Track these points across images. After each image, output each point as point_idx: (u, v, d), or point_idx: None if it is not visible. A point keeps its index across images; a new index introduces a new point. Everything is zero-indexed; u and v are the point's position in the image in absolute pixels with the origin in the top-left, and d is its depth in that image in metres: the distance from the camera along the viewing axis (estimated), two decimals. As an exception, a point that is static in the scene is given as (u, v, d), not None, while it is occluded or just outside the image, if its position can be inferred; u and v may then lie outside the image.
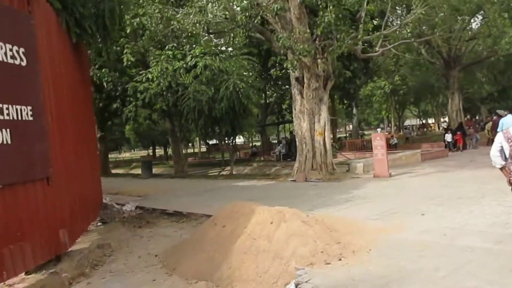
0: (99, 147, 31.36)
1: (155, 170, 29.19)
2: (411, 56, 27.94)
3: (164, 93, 17.23)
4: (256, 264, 4.67)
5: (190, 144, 52.76)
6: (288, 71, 13.95)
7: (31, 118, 5.55)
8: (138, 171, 27.71)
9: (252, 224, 5.29)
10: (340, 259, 4.67)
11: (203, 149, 55.66)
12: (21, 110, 5.37)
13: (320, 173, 13.57)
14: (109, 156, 58.36)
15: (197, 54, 17.63)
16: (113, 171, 35.11)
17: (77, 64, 8.27)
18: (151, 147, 58.34)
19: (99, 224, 9.15)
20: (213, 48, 18.40)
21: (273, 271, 4.51)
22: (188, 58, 17.70)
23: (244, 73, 16.99)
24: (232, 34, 13.18)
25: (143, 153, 62.21)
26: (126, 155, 72.24)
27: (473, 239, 5.08)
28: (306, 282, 4.17)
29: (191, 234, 6.94)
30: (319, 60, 13.34)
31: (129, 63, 19.95)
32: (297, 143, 14.50)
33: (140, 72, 18.55)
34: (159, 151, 60.15)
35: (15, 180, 5.16)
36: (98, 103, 26.84)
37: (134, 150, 77.83)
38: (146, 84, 17.90)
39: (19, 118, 5.32)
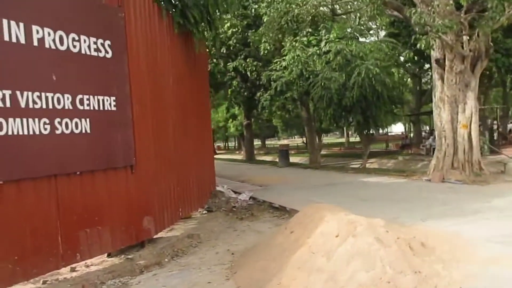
0: (246, 134, 33.40)
1: (297, 159, 29.36)
2: None
3: (296, 81, 16.83)
4: (305, 284, 3.90)
5: (337, 133, 51.48)
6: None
7: (114, 109, 5.76)
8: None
9: (316, 235, 4.48)
10: (412, 297, 3.55)
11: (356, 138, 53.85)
12: (103, 100, 5.60)
13: (462, 173, 11.37)
14: (266, 142, 61.44)
15: (332, 39, 16.71)
16: (262, 157, 36.68)
17: (184, 55, 8.45)
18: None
19: (204, 212, 9.33)
20: (350, 31, 17.17)
21: (321, 297, 3.68)
22: (322, 44, 16.91)
23: (382, 57, 15.36)
24: (358, 14, 11.81)
25: (299, 140, 62.96)
26: (284, 141, 73.90)
27: None
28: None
29: (267, 236, 6.40)
30: (464, 37, 11.04)
31: (266, 51, 20.21)
32: (436, 136, 12.45)
33: (275, 61, 18.54)
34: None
35: (93, 168, 5.41)
36: (243, 92, 28.22)
37: (293, 137, 79.28)
38: (279, 72, 17.81)
39: (101, 108, 5.54)
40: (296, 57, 16.40)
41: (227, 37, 22.14)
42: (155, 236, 7.07)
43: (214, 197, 10.08)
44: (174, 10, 7.76)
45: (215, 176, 10.59)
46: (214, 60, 26.29)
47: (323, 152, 42.29)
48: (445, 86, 11.51)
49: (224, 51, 26.21)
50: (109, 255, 6.00)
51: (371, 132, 17.69)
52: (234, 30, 20.92)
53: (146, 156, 6.44)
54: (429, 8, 10.30)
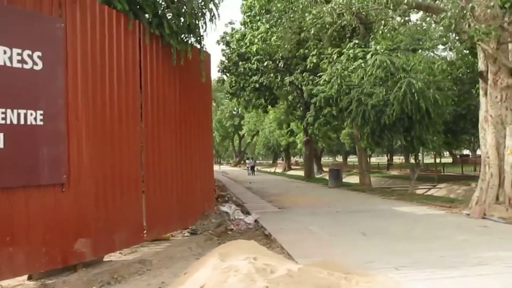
0: (305, 151, 32.20)
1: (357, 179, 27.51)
2: None
3: (335, 96, 15.62)
4: None
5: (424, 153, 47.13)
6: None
7: (40, 123, 5.46)
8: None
9: (186, 285, 3.63)
10: None
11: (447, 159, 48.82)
12: (25, 114, 5.32)
13: (508, 209, 9.35)
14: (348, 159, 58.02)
15: (380, 51, 15.29)
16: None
17: (167, 66, 8.02)
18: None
19: (186, 234, 8.72)
20: (400, 42, 15.56)
21: None
22: (368, 56, 15.53)
23: (429, 71, 13.57)
24: (383, 22, 10.32)
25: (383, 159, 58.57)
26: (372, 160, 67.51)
27: None
28: None
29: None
30: (510, 46, 9.12)
31: (312, 64, 19.27)
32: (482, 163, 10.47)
33: (319, 74, 17.51)
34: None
35: (5, 185, 5.12)
36: (299, 107, 27.35)
37: (386, 156, 73.13)
38: (322, 87, 16.74)
39: (21, 122, 5.27)
40: (335, 71, 15.24)
41: (274, 52, 21.57)
42: (106, 259, 6.66)
43: (206, 218, 9.44)
44: (150, 21, 7.39)
45: (213, 194, 9.95)
46: (271, 74, 25.92)
47: (393, 172, 39.44)
48: (489, 104, 9.63)
49: (282, 65, 25.74)
50: (30, 278, 5.66)
51: (418, 154, 15.67)
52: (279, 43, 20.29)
53: (86, 174, 6.05)
54: (464, 12, 8.68)
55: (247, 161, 43.78)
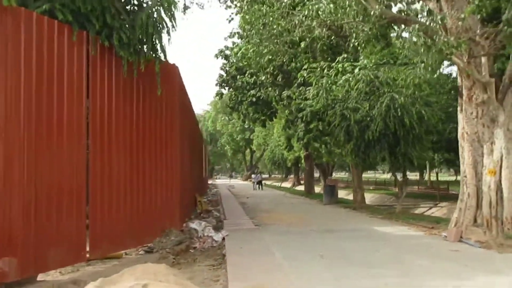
0: (305, 166, 31.69)
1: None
2: None
3: (322, 110, 15.23)
4: None
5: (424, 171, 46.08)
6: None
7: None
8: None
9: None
10: None
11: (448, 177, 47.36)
12: None
13: (486, 232, 8.79)
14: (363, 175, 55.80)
15: (369, 65, 14.93)
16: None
17: (121, 79, 7.81)
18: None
19: (141, 252, 8.40)
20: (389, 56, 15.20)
21: None
22: (356, 71, 15.15)
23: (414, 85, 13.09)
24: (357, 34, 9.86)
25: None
26: (385, 175, 64.54)
27: None
28: None
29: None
30: (483, 59, 8.64)
31: (302, 78, 18.97)
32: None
33: (308, 88, 17.16)
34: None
35: None
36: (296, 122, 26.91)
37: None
38: (309, 101, 16.40)
39: None
40: (321, 85, 14.90)
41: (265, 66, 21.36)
42: (40, 279, 6.37)
43: (166, 235, 9.08)
44: (99, 31, 7.20)
45: (177, 211, 9.60)
46: (269, 88, 25.70)
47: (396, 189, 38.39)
48: (464, 121, 9.14)
49: (280, 79, 25.50)
50: None
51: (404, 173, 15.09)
52: (270, 57, 20.06)
53: (14, 187, 5.80)
54: (432, 24, 8.29)
55: (252, 175, 43.27)
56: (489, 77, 8.58)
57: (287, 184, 52.73)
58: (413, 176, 49.48)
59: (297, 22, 10.82)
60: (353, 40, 10.12)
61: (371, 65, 15.07)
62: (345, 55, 16.36)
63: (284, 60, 19.54)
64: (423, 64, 8.24)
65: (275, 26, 11.95)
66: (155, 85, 8.62)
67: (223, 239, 9.98)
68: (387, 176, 57.49)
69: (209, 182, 54.57)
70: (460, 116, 9.52)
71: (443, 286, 5.48)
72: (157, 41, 8.00)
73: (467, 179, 9.28)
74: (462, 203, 9.49)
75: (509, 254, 7.74)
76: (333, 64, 16.34)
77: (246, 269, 6.59)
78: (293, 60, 20.91)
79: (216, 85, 27.97)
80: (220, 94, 28.97)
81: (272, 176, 79.04)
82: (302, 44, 19.10)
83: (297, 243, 9.25)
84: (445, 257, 7.54)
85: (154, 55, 7.98)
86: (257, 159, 71.54)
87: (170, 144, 9.54)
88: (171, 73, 9.38)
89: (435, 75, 9.41)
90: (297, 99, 17.32)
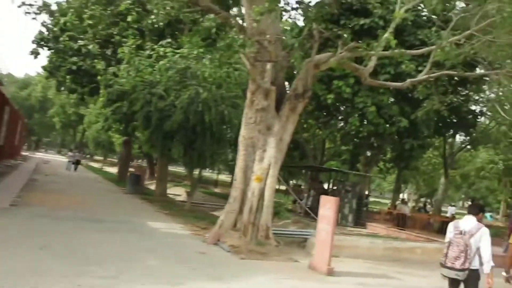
0: (122, 151, 29.65)
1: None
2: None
3: (130, 91, 13.96)
4: None
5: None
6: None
7: None
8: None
9: None
10: None
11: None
12: None
13: (241, 237, 8.81)
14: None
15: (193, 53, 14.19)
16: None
17: None
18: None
19: None
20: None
21: None
22: (175, 57, 14.31)
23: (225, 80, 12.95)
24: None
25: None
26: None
27: None
28: None
29: None
30: (268, 65, 8.77)
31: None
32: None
33: (122, 66, 15.66)
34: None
35: None
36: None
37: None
38: (123, 79, 14.94)
39: None
40: (133, 63, 13.71)
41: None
42: None
43: None
44: None
45: None
46: (96, 60, 23.17)
47: (219, 190, 39.12)
48: (243, 124, 9.10)
49: (110, 53, 23.17)
50: None
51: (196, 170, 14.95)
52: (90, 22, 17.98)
53: None
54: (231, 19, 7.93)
55: (69, 153, 37.17)
56: (270, 85, 8.69)
57: (114, 170, 49.20)
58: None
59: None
60: (152, 17, 9.26)
61: (194, 55, 14.45)
62: (170, 40, 15.50)
63: (114, 32, 17.70)
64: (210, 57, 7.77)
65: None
66: None
67: None
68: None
69: (26, 154, 47.45)
70: (243, 120, 9.48)
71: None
72: None
73: (236, 183, 9.24)
74: (229, 205, 9.42)
75: (250, 261, 7.75)
76: (155, 46, 15.32)
77: None
78: (122, 34, 19.17)
79: (33, 42, 24.04)
80: (36, 53, 24.94)
81: (101, 159, 73.54)
82: (129, 18, 17.67)
83: (38, 230, 7.81)
84: (184, 259, 7.13)
85: None
86: (86, 137, 65.56)
87: None
88: None
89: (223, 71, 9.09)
90: (108, 75, 15.65)
